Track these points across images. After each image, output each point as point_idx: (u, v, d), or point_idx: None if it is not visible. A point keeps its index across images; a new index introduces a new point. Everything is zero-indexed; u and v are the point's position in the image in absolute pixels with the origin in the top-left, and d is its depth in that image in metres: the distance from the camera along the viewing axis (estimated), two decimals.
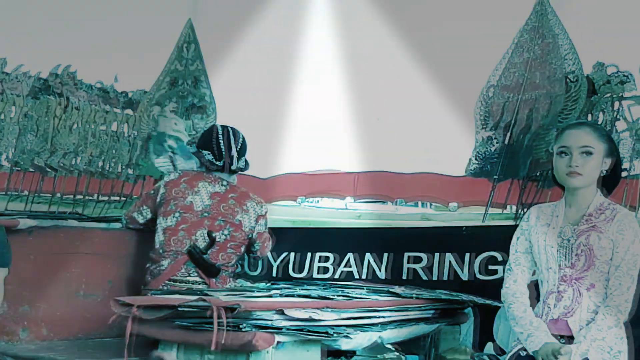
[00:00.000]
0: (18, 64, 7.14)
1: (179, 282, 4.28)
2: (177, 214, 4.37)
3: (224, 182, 4.46)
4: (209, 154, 4.44)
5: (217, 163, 4.43)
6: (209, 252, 4.29)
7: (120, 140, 6.79)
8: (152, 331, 3.36)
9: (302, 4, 5.86)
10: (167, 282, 4.27)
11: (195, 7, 6.43)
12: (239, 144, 4.48)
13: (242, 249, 4.43)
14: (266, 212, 4.55)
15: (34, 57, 7.05)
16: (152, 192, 4.54)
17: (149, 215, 4.50)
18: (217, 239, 4.31)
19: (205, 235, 4.31)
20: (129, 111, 6.84)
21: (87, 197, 6.81)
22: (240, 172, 4.58)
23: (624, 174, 4.42)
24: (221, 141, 4.44)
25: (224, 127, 4.51)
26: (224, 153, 4.43)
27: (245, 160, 4.53)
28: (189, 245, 4.30)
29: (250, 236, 4.44)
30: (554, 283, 3.39)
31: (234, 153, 4.46)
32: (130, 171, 6.60)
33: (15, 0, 6.34)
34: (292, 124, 5.82)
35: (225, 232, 4.35)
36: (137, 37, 6.39)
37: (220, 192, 4.42)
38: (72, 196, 7.04)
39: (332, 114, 5.87)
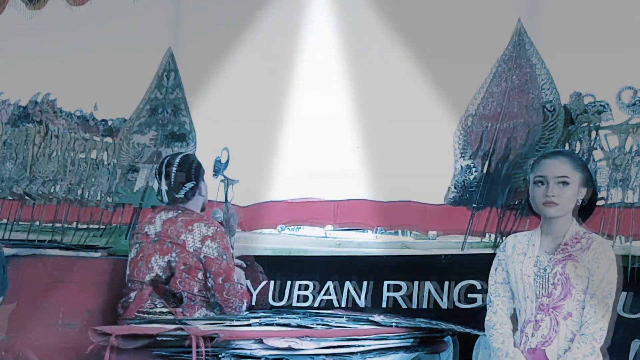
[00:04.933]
0: None
1: (147, 315, 4.23)
2: (137, 245, 4.38)
3: (181, 209, 4.37)
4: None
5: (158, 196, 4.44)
6: (170, 281, 4.25)
7: (100, 168, 6.76)
8: None
9: (282, 37, 5.90)
10: (136, 314, 4.22)
11: (175, 36, 6.45)
12: (173, 171, 4.34)
13: (200, 275, 4.27)
14: (215, 234, 4.25)
15: (13, 85, 7.03)
16: None
17: None
18: (171, 264, 4.25)
19: (161, 263, 4.28)
20: (108, 139, 6.81)
21: (66, 225, 6.77)
22: (186, 200, 4.40)
23: (601, 202, 4.46)
24: (156, 171, 4.47)
25: (165, 157, 4.51)
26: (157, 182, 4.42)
27: (192, 189, 4.38)
28: (149, 276, 4.28)
29: (199, 259, 4.25)
30: (531, 312, 3.40)
31: (164, 186, 4.35)
32: (109, 199, 6.56)
33: None
34: (272, 152, 5.83)
35: (173, 254, 4.26)
36: (117, 66, 6.39)
37: (172, 217, 4.36)
38: (51, 224, 6.99)
39: (312, 142, 5.89)
